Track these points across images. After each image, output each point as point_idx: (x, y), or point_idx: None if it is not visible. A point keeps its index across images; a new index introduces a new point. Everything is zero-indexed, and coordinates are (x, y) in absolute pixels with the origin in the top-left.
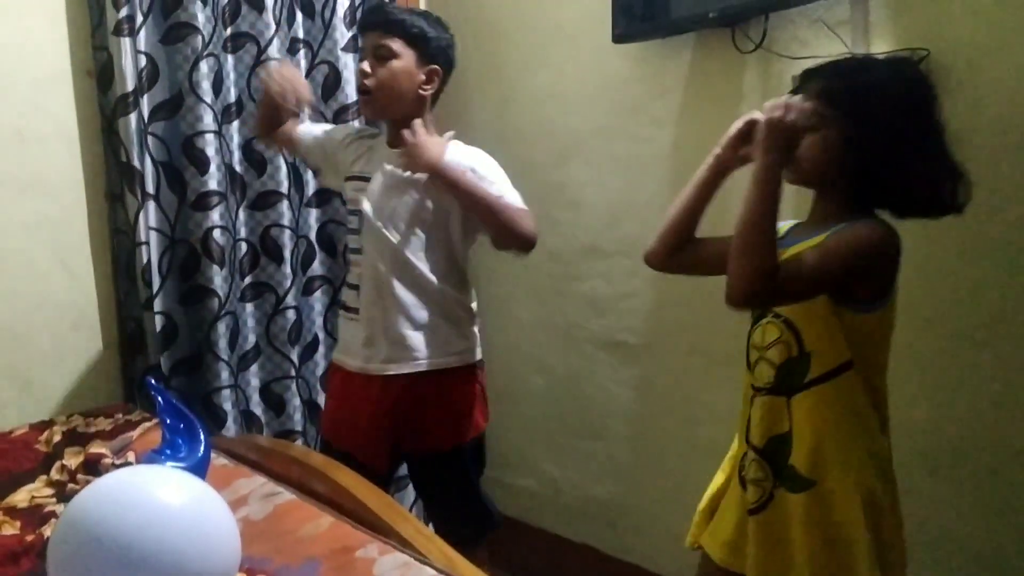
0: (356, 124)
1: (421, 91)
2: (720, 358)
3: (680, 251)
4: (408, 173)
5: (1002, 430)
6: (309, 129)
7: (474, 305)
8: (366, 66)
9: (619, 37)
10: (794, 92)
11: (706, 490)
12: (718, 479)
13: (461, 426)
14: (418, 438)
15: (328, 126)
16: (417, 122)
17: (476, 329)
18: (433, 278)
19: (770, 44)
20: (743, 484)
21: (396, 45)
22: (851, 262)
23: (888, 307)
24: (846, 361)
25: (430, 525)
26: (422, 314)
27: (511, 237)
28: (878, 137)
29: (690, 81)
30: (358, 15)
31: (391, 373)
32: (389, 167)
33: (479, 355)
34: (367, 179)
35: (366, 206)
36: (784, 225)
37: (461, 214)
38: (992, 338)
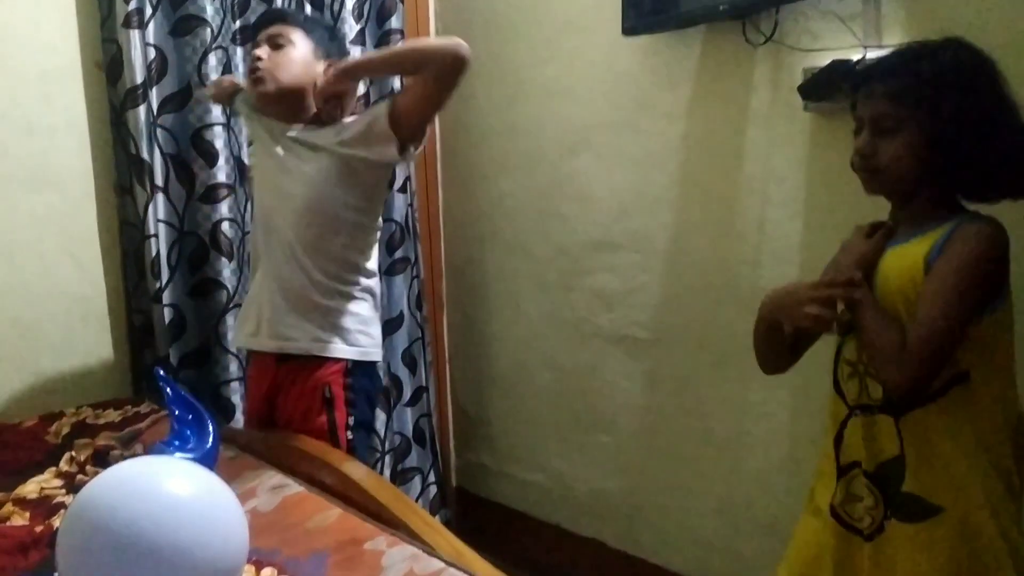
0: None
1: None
2: (729, 352)
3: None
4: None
5: None
6: None
7: (364, 309)
8: (261, 52)
9: (629, 30)
10: (812, 88)
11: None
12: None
13: (307, 421)
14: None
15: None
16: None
17: (357, 330)
18: (317, 267)
19: (781, 37)
20: (834, 513)
21: (292, 34)
22: (977, 285)
23: (1005, 306)
24: (962, 372)
25: (437, 516)
26: (299, 299)
27: (441, 62)
28: (960, 126)
29: (700, 74)
30: (366, 8)
31: (266, 350)
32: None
33: (347, 354)
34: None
35: (260, 194)
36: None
37: (353, 212)
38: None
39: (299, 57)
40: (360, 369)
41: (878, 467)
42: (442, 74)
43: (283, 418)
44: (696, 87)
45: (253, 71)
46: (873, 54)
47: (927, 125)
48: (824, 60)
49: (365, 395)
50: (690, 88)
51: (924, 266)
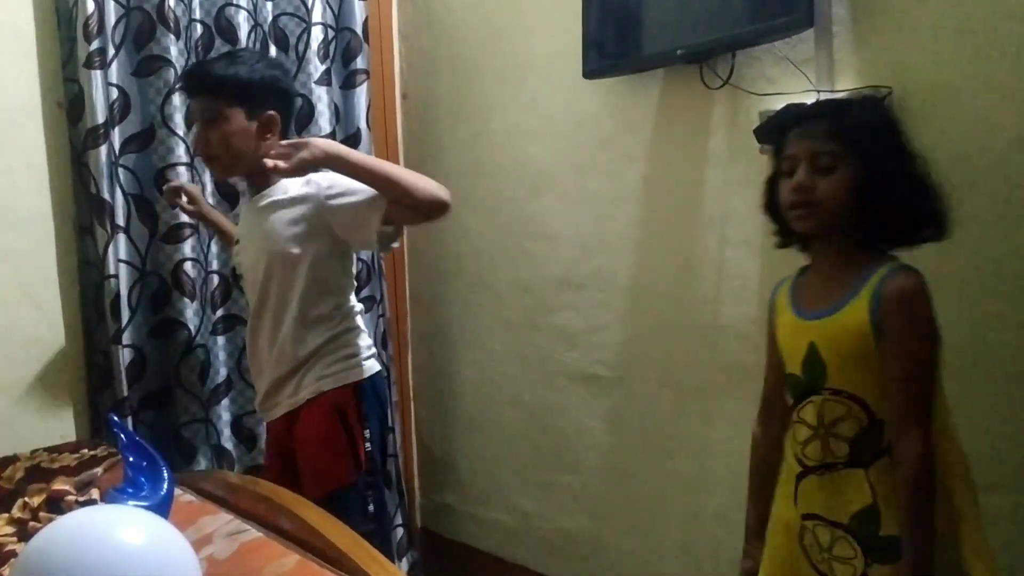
0: None
1: (264, 142)
2: (691, 390)
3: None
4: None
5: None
6: None
7: (353, 334)
8: (198, 132)
9: (590, 73)
10: (768, 132)
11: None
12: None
13: (329, 442)
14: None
15: None
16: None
17: (354, 354)
18: (289, 326)
19: (737, 81)
20: (806, 554)
21: (221, 106)
22: (935, 340)
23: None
24: None
25: (402, 563)
26: (282, 365)
27: (419, 199)
28: (888, 169)
29: (659, 116)
30: (331, 48)
31: (272, 419)
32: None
33: (352, 378)
34: (238, 241)
35: (243, 266)
36: (783, 288)
37: (312, 255)
38: (955, 372)
39: (235, 130)
40: (368, 383)
41: (852, 519)
42: (423, 211)
43: (305, 449)
44: (656, 129)
45: (201, 155)
46: (826, 97)
47: (860, 166)
48: (779, 104)
49: (376, 408)
50: (650, 130)
51: (872, 327)
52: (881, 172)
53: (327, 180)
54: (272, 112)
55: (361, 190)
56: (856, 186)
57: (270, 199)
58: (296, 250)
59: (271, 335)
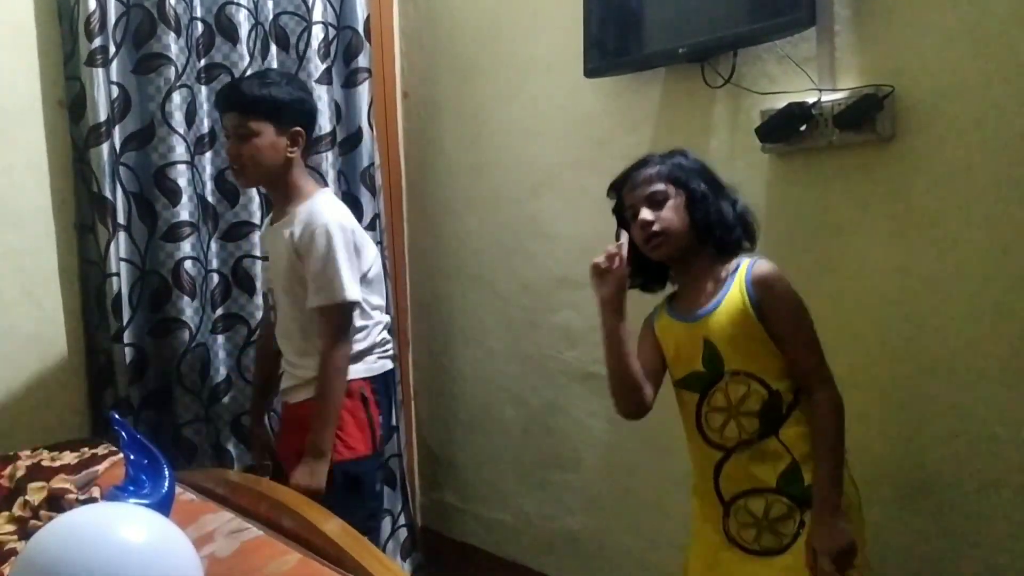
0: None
1: (288, 154)
2: None
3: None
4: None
5: (963, 462)
6: None
7: (373, 333)
8: (231, 147)
9: (591, 72)
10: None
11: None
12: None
13: (353, 417)
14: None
15: None
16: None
17: (373, 352)
18: (300, 335)
19: (738, 79)
20: (733, 541)
21: (254, 124)
22: (807, 309)
23: None
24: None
25: (406, 564)
26: (306, 358)
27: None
28: (707, 191)
29: (661, 115)
30: (333, 48)
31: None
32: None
33: (370, 373)
34: (266, 258)
35: (271, 280)
36: (660, 313)
37: None
38: (953, 370)
39: (265, 144)
40: (383, 378)
41: (779, 479)
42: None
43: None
44: (657, 128)
45: (231, 166)
46: (828, 96)
47: (682, 193)
48: (780, 103)
49: (389, 399)
50: (651, 129)
51: (752, 308)
52: (699, 194)
53: (309, 230)
54: (298, 128)
55: (330, 274)
56: (684, 209)
57: (284, 219)
58: (301, 274)
59: (297, 337)
